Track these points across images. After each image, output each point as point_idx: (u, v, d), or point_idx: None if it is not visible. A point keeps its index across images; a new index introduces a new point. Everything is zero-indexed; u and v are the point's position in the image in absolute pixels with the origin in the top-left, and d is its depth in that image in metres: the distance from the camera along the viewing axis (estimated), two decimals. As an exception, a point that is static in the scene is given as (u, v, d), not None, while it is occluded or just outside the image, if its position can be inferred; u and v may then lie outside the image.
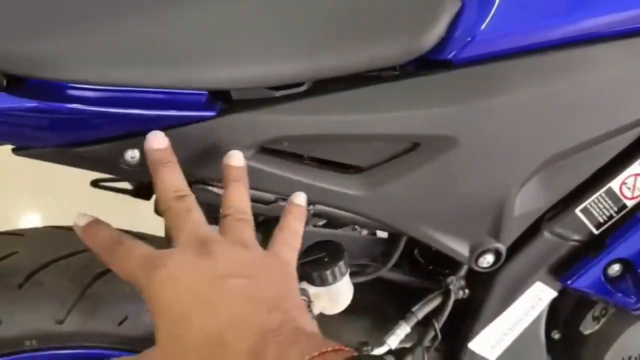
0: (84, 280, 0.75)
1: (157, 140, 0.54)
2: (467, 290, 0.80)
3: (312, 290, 0.68)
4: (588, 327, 0.81)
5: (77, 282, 0.75)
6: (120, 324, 0.75)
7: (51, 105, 0.52)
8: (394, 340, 0.76)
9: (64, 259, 0.77)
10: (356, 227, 0.87)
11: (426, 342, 0.79)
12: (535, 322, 0.80)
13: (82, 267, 0.76)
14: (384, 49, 0.60)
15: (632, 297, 0.73)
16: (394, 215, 0.68)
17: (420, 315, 0.78)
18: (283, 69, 0.58)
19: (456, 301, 0.80)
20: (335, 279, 0.66)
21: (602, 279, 0.74)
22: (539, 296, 0.78)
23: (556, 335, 0.85)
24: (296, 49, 0.58)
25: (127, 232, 0.86)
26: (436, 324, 0.78)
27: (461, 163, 0.65)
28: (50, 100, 0.52)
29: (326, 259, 0.67)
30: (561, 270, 0.75)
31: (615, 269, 0.73)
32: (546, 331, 0.85)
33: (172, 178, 0.53)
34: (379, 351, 0.76)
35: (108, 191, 0.91)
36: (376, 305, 0.82)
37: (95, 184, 0.88)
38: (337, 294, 0.68)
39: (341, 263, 0.67)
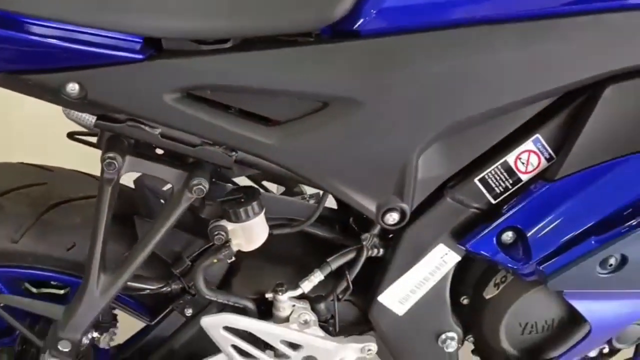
0: (40, 208, 0.86)
1: None
2: (381, 250, 0.89)
3: (229, 226, 0.77)
4: (489, 293, 0.89)
5: (34, 209, 0.86)
6: (69, 249, 0.85)
7: (5, 34, 0.62)
8: (308, 285, 0.85)
9: (25, 189, 0.87)
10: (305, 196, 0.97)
11: (339, 292, 0.88)
12: (441, 284, 0.87)
13: (40, 197, 0.87)
14: (299, 16, 0.69)
15: (521, 262, 0.81)
16: (307, 167, 0.77)
17: (334, 265, 0.86)
18: (210, 25, 0.68)
19: (372, 259, 0.90)
20: (248, 217, 0.75)
21: (496, 243, 0.81)
22: (443, 258, 0.85)
23: (465, 301, 0.93)
24: (223, 9, 0.68)
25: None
26: (348, 276, 0.87)
27: (365, 125, 0.74)
28: (4, 28, 0.62)
29: (242, 200, 0.77)
30: (461, 234, 0.82)
31: (509, 235, 0.81)
32: (456, 297, 0.93)
33: None
34: (292, 293, 0.85)
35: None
36: (298, 256, 0.91)
37: (71, 136, 0.98)
38: (251, 232, 0.77)
39: (255, 203, 0.76)
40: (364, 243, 0.87)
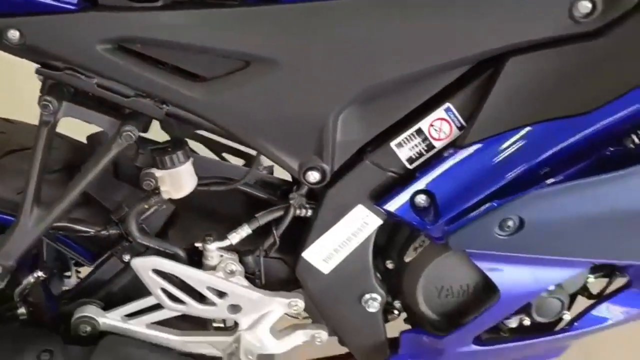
0: (-4, 153, 0.93)
1: None
2: (309, 211, 0.94)
3: (158, 173, 0.83)
4: (409, 257, 0.94)
5: (-10, 154, 0.93)
6: (18, 193, 0.92)
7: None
8: (235, 237, 0.91)
9: (-17, 136, 0.94)
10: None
11: (266, 247, 0.93)
12: (364, 246, 0.92)
13: (-3, 143, 0.94)
14: (223, -20, 0.76)
15: (431, 224, 0.86)
16: (232, 123, 0.83)
17: (262, 221, 0.92)
18: (142, -15, 0.75)
19: (303, 220, 0.95)
20: (173, 164, 0.82)
21: (409, 206, 0.86)
22: (364, 220, 0.90)
23: (390, 265, 0.98)
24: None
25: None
26: (275, 232, 0.92)
27: (284, 85, 0.80)
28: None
29: (169, 149, 0.83)
30: (379, 196, 0.88)
31: (422, 199, 0.86)
32: (383, 261, 0.98)
33: None
34: (220, 244, 0.91)
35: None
36: (233, 213, 0.97)
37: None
38: (178, 179, 0.84)
39: (180, 152, 0.83)
40: (292, 201, 0.92)
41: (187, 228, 0.95)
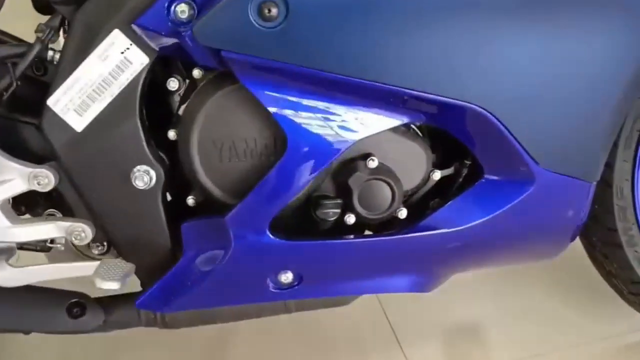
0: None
1: None
2: (57, 56, 0.75)
3: None
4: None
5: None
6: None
7: None
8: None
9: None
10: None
11: (2, 87, 0.73)
12: (129, 95, 0.72)
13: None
14: None
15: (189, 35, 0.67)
16: None
17: (-1, 54, 0.73)
18: None
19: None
20: None
21: (167, 18, 0.68)
22: (125, 55, 0.71)
23: (172, 135, 0.78)
24: None
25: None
26: (12, 70, 0.73)
27: None
28: None
29: None
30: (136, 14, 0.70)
31: (182, 8, 0.68)
32: (164, 130, 0.78)
33: None
34: None
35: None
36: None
37: None
38: None
39: None
40: (39, 35, 0.74)
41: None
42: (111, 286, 0.70)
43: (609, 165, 0.92)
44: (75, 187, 0.77)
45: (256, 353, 1.09)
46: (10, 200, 0.78)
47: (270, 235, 0.74)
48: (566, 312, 1.17)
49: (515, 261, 0.91)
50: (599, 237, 0.99)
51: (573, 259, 1.06)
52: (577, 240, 1.03)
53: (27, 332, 0.86)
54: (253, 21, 0.63)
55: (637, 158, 0.92)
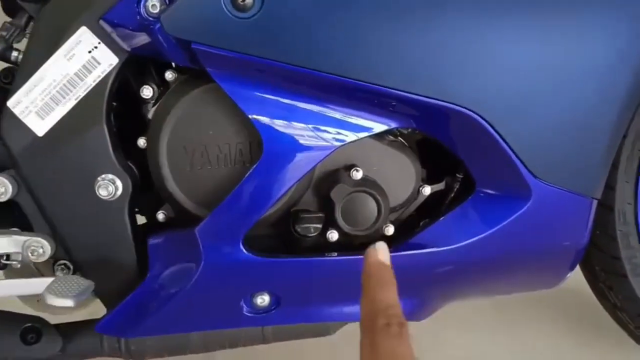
0: None
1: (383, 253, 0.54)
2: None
3: None
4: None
5: None
6: None
7: None
8: None
9: None
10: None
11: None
12: (96, 98, 0.67)
13: None
14: None
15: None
16: None
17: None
18: None
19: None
20: None
21: (137, 12, 0.63)
22: (93, 55, 0.66)
23: (142, 142, 0.72)
24: None
25: None
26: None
27: None
28: None
29: None
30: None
31: (153, 2, 0.62)
32: (134, 138, 0.73)
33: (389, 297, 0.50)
34: None
35: None
36: None
37: None
38: None
39: None
40: (2, 33, 0.69)
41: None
42: (64, 303, 0.63)
43: (611, 188, 0.87)
44: (35, 197, 0.71)
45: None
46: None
47: (245, 251, 0.68)
48: (567, 348, 1.10)
49: (511, 287, 0.84)
50: (602, 266, 0.92)
51: (574, 291, 0.99)
52: (579, 270, 0.98)
53: (-24, 358, 0.79)
54: (226, 10, 0.58)
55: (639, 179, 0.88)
